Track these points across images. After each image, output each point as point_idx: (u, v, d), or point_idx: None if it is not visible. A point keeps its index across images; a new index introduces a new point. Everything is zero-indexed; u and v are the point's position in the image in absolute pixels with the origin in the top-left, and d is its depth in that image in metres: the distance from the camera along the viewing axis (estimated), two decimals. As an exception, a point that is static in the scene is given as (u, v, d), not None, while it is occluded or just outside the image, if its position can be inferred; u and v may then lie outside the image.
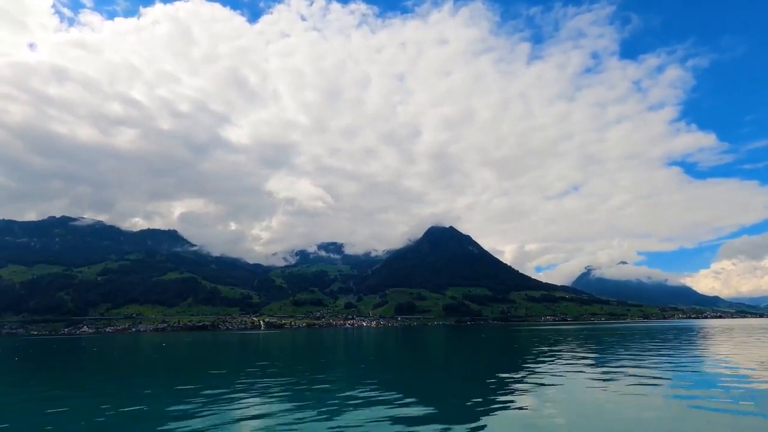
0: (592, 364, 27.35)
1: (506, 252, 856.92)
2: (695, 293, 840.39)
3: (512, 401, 16.48)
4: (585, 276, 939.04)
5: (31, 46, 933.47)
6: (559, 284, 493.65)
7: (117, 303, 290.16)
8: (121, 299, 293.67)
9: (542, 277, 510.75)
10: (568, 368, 25.51)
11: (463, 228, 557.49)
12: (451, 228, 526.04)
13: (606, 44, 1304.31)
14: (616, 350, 38.88)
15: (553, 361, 30.12)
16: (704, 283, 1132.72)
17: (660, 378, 21.06)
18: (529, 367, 26.91)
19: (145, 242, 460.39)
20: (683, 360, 29.00)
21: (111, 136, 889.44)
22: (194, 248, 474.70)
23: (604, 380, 21.01)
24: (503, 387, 19.94)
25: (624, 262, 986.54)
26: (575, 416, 14.14)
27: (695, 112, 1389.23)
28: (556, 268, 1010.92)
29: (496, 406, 15.90)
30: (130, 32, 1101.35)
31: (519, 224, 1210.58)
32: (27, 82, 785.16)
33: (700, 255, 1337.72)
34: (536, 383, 20.57)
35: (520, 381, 21.51)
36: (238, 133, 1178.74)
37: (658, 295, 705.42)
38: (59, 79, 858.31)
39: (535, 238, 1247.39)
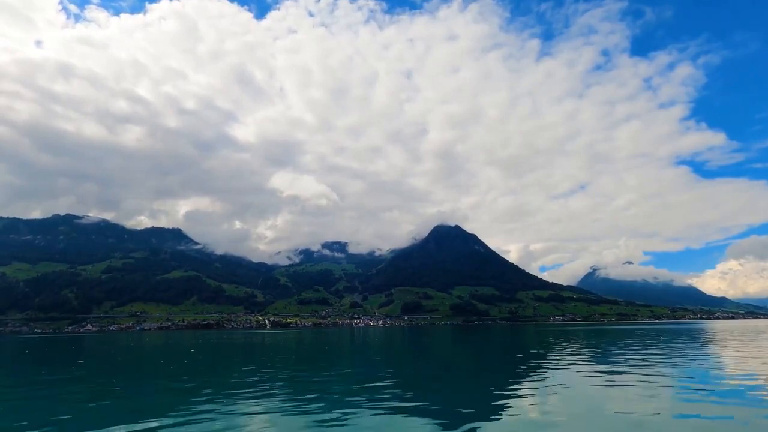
0: (615, 368, 24.13)
1: (511, 251, 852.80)
2: (702, 294, 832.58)
3: (517, 405, 15.88)
4: (590, 276, 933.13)
5: (38, 43, 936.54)
6: (564, 284, 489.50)
7: (121, 301, 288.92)
8: (125, 297, 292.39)
9: (547, 276, 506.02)
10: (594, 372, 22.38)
11: (469, 227, 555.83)
12: (457, 227, 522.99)
13: (617, 41, 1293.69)
14: (644, 355, 35.51)
15: (570, 363, 26.96)
16: (710, 283, 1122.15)
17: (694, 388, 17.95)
18: (541, 370, 24.46)
19: (149, 240, 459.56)
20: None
21: (117, 133, 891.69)
22: (198, 246, 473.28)
23: (622, 385, 18.96)
24: (508, 390, 19.32)
25: (630, 262, 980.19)
26: (580, 420, 13.62)
27: (706, 110, 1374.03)
28: (561, 268, 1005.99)
29: (499, 408, 15.50)
30: (137, 28, 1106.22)
31: (524, 224, 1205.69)
32: (33, 79, 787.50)
33: (707, 255, 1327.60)
34: (546, 386, 19.61)
35: (528, 384, 20.56)
36: (244, 131, 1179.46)
37: (664, 296, 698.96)
38: (65, 76, 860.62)
39: (540, 237, 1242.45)
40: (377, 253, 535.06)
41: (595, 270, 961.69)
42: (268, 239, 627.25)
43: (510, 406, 15.49)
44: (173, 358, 43.32)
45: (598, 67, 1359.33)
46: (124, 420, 14.14)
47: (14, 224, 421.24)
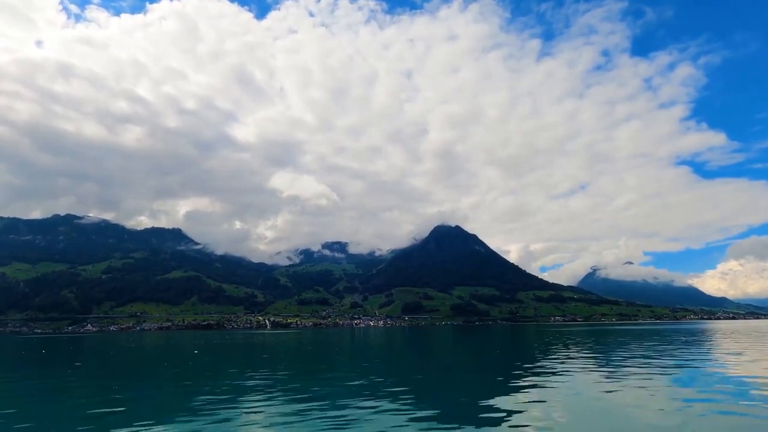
0: (619, 370, 23.87)
1: (512, 252, 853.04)
2: (702, 294, 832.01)
3: (518, 406, 15.77)
4: (590, 276, 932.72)
5: (38, 42, 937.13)
6: (564, 284, 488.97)
7: (121, 301, 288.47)
8: (125, 297, 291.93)
9: (547, 277, 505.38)
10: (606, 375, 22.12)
11: (469, 227, 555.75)
12: (458, 227, 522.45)
13: (617, 41, 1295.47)
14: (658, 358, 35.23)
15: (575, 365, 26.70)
16: (710, 283, 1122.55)
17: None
18: (542, 371, 24.28)
19: (149, 240, 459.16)
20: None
21: (117, 133, 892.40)
22: (198, 246, 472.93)
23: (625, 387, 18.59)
24: (509, 391, 19.42)
25: (630, 263, 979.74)
26: (581, 421, 13.69)
27: (706, 110, 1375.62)
28: (561, 268, 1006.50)
29: (500, 409, 15.46)
30: (137, 28, 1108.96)
31: (524, 224, 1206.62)
32: (33, 79, 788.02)
33: (707, 255, 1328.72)
34: (547, 387, 19.60)
35: (530, 385, 20.58)
36: (244, 131, 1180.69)
37: (664, 296, 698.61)
38: (65, 76, 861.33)
39: (541, 237, 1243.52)
40: (377, 253, 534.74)
41: (595, 270, 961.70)
42: (268, 239, 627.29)
43: (511, 408, 15.37)
44: (176, 359, 42.96)
45: (599, 67, 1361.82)
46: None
47: (14, 224, 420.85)
